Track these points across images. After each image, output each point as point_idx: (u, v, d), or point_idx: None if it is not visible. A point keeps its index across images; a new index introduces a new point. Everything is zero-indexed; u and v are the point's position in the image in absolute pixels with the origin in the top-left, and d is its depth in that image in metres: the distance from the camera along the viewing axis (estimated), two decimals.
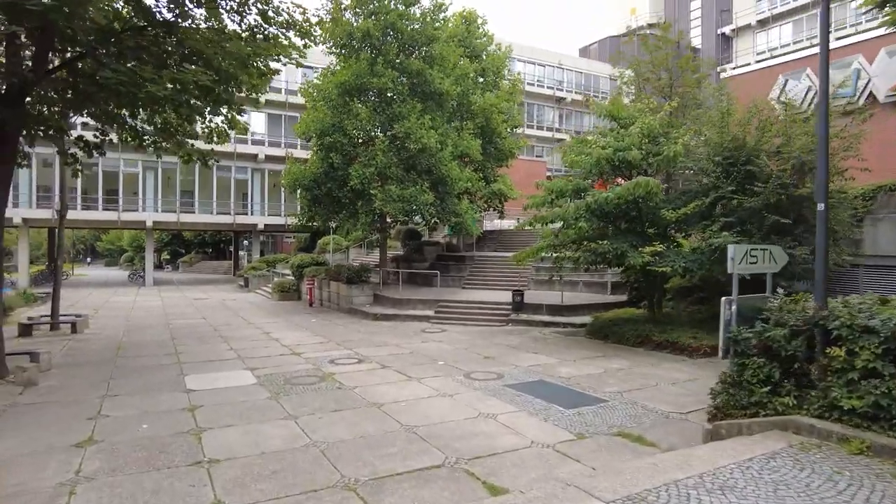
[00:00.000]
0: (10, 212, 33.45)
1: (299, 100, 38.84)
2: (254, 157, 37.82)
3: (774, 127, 13.09)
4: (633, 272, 16.61)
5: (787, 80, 21.71)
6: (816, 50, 10.31)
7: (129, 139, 11.78)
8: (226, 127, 12.49)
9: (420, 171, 20.61)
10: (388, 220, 21.90)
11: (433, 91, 21.29)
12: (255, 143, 38.30)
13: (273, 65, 11.04)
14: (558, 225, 14.36)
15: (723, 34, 55.61)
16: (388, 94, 21.18)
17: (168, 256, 69.18)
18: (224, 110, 11.65)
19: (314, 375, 10.25)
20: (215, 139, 12.21)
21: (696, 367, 11.18)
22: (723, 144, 12.96)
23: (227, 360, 11.71)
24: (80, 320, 15.72)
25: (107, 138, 11.70)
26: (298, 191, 22.60)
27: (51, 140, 11.01)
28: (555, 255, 14.70)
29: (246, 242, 46.00)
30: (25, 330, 15.03)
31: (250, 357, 12.05)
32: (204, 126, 12.51)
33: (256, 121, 38.91)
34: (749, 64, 34.49)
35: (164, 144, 11.76)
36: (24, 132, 10.22)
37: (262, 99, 37.68)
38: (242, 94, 12.57)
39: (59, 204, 16.56)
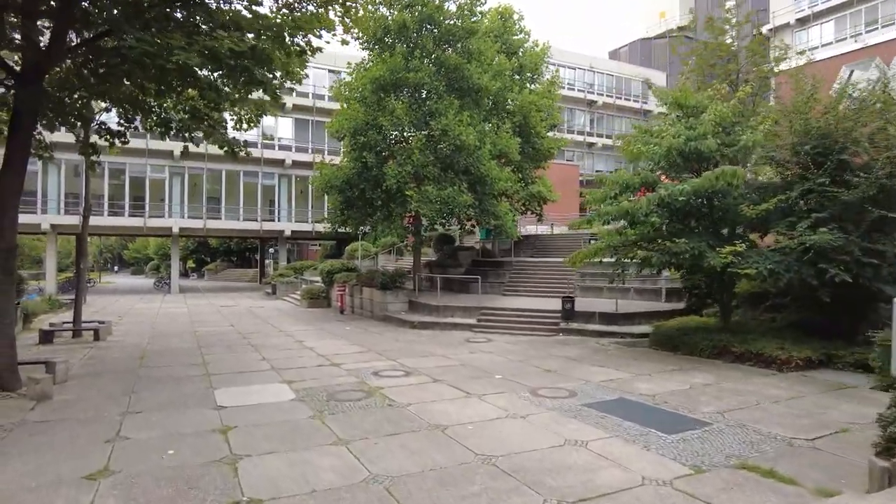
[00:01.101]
0: (38, 218, 33.28)
1: (327, 104, 38.26)
2: (280, 162, 37.12)
3: (866, 112, 11.63)
4: (699, 277, 15.17)
5: (851, 71, 20.09)
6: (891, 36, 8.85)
7: (155, 126, 10.74)
8: (253, 115, 11.39)
9: (457, 170, 19.42)
10: (424, 222, 20.74)
11: (470, 87, 20.15)
12: (281, 148, 37.67)
13: (315, 41, 9.91)
14: (619, 224, 13.03)
15: (759, 33, 53.67)
16: (425, 90, 20.11)
17: (193, 264, 69.11)
18: (255, 95, 10.58)
19: (359, 390, 9.03)
20: (244, 126, 11.13)
21: (791, 382, 9.71)
22: (809, 132, 11.52)
23: (260, 372, 10.57)
24: (102, 327, 14.79)
25: (130, 126, 10.70)
26: (329, 195, 21.55)
27: (70, 127, 10.05)
28: (615, 256, 13.31)
29: (272, 250, 45.37)
30: (46, 337, 14.13)
31: (285, 368, 10.90)
32: (233, 115, 11.48)
33: (283, 126, 38.33)
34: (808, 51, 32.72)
35: (192, 128, 10.65)
36: (42, 118, 9.30)
37: (290, 103, 37.34)
38: (276, 82, 11.52)
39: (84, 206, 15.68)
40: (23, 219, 31.90)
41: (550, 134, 25.66)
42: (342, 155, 21.18)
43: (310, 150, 37.74)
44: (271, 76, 9.37)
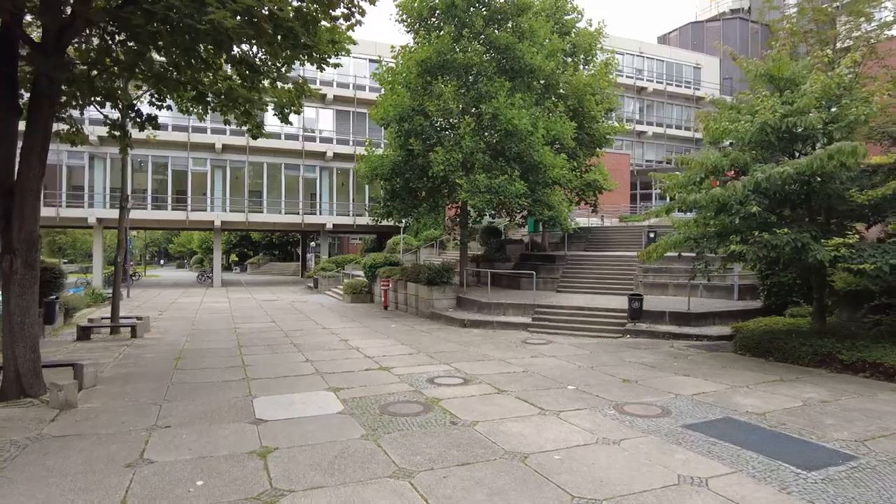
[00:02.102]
0: (85, 212, 33.52)
1: (368, 95, 37.34)
2: (322, 155, 36.44)
3: None
4: (788, 273, 13.53)
5: None
6: None
7: (190, 105, 9.77)
8: (293, 98, 10.34)
9: (509, 157, 18.11)
10: (472, 213, 19.51)
11: (522, 68, 18.77)
12: (322, 140, 36.96)
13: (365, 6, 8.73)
14: (695, 213, 11.51)
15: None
16: (474, 72, 18.84)
17: (236, 258, 69.76)
18: (300, 65, 9.51)
19: (415, 402, 7.89)
20: (284, 112, 10.09)
21: None
22: None
23: (304, 377, 9.56)
24: (140, 323, 14.13)
25: (162, 105, 9.76)
26: (372, 184, 20.55)
27: (100, 107, 9.18)
28: (696, 250, 11.79)
29: (313, 244, 44.93)
30: (84, 333, 13.55)
31: (331, 372, 9.86)
32: (272, 98, 10.45)
33: (324, 118, 37.63)
34: None
35: (228, 110, 9.65)
36: (70, 98, 8.47)
37: (331, 95, 36.60)
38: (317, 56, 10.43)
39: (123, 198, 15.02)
40: (70, 213, 32.60)
41: (615, 115, 24.01)
42: (384, 147, 20.06)
43: (351, 143, 37.01)
44: (315, 43, 8.24)
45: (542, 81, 20.25)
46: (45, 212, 32.16)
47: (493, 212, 19.04)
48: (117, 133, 9.88)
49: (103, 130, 10.55)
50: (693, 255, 20.40)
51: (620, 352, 12.06)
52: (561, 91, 21.96)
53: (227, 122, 10.25)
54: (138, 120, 9.52)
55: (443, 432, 6.52)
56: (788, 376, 9.62)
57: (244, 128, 10.30)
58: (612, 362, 10.89)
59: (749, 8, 58.38)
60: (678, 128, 51.40)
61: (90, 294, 21.94)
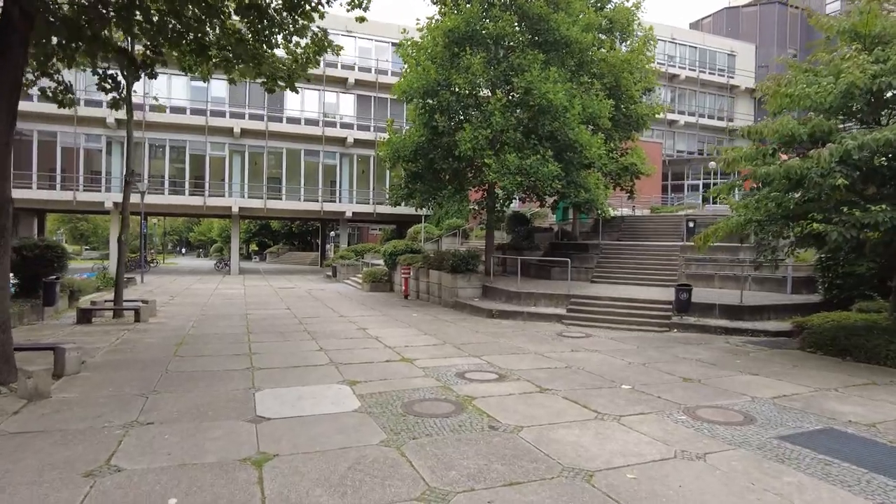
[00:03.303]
0: (101, 196, 32.83)
1: (390, 80, 36.05)
2: (342, 141, 35.34)
3: None
4: (866, 262, 12.03)
5: None
6: None
7: (190, 55, 8.59)
8: (311, 54, 9.15)
9: (541, 136, 16.73)
10: (500, 195, 18.20)
11: (557, 40, 17.36)
12: (343, 126, 35.86)
13: None
14: (737, 195, 10.09)
15: None
16: (505, 44, 17.50)
17: (256, 248, 69.38)
18: (320, 17, 8.32)
19: (444, 399, 6.68)
20: (300, 67, 8.91)
21: None
22: None
23: (317, 367, 8.41)
24: (144, 307, 13.15)
25: (159, 55, 8.63)
26: (395, 166, 19.31)
27: (90, 58, 8.07)
28: (761, 235, 10.38)
29: (333, 234, 44.02)
30: (84, 316, 12.61)
31: (346, 363, 8.70)
32: (287, 52, 9.28)
33: (345, 103, 36.50)
34: None
35: (234, 59, 8.48)
36: (44, 38, 7.38)
37: (352, 79, 35.44)
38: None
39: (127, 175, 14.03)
40: (88, 197, 31.91)
41: (654, 95, 22.52)
42: (406, 129, 18.75)
43: (372, 129, 35.88)
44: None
45: (575, 60, 18.83)
46: (63, 195, 31.73)
47: (522, 195, 17.73)
48: (108, 85, 8.76)
49: (121, 114, 9.49)
50: (738, 244, 18.91)
51: (670, 347, 10.70)
52: (594, 70, 20.53)
53: (232, 82, 9.12)
54: (129, 69, 8.39)
55: (481, 439, 5.29)
56: (881, 379, 8.19)
57: (259, 81, 9.13)
58: (665, 359, 9.55)
59: None
60: (710, 117, 49.38)
61: (101, 278, 21.14)
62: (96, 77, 8.65)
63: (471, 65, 16.34)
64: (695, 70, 48.18)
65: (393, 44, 37.66)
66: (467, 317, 15.00)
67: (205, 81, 10.01)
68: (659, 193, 39.32)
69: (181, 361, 8.64)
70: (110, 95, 9.56)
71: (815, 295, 15.33)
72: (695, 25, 57.51)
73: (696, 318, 13.19)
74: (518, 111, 16.83)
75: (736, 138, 50.97)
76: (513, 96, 16.69)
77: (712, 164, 37.80)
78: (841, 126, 9.87)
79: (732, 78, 49.75)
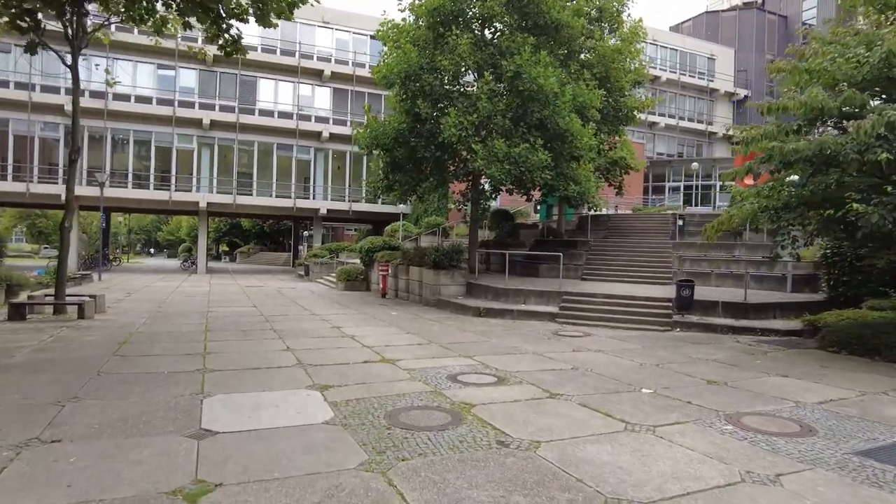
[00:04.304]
0: (59, 188, 30.64)
1: (367, 72, 34.72)
2: (317, 135, 33.89)
3: None
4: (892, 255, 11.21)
5: None
6: None
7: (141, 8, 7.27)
8: (286, 4, 7.90)
9: (531, 123, 15.68)
10: (487, 188, 17.10)
11: (547, 24, 16.36)
12: (318, 120, 34.38)
13: None
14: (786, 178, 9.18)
15: None
16: (493, 27, 16.45)
17: (226, 248, 67.10)
18: None
19: (438, 407, 5.48)
20: (271, 17, 7.64)
21: None
22: None
23: (281, 369, 7.13)
24: (89, 302, 11.64)
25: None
26: (371, 154, 18.00)
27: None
28: (777, 222, 9.45)
29: (306, 233, 42.38)
30: (17, 312, 11.05)
31: (318, 365, 7.43)
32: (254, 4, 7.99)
33: (321, 96, 35.05)
34: None
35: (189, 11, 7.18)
36: None
37: (328, 71, 34.04)
38: None
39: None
40: (43, 189, 29.60)
41: (643, 89, 21.75)
42: (393, 103, 17.42)
43: (348, 123, 34.45)
44: None
45: (565, 47, 17.91)
46: (14, 187, 29.53)
47: (510, 187, 16.63)
48: (24, 24, 7.32)
49: (85, 102, 8.07)
50: (733, 241, 18.12)
51: (679, 347, 9.69)
52: (584, 59, 19.65)
53: (187, 27, 7.77)
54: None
55: (490, 459, 4.11)
56: None
57: (216, 45, 7.85)
58: (678, 359, 8.52)
59: (763, 1, 56.32)
60: (691, 120, 49.25)
61: (51, 274, 19.37)
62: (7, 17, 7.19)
63: (457, 45, 15.22)
64: (675, 72, 48.00)
65: (371, 36, 36.49)
66: (452, 315, 13.82)
67: (158, 35, 8.61)
68: (641, 195, 38.77)
69: (120, 362, 7.27)
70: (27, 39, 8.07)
71: (817, 294, 14.61)
72: (675, 29, 57.51)
73: (698, 317, 12.24)
74: (506, 96, 15.75)
75: (715, 141, 51.18)
76: (501, 80, 15.58)
77: (695, 166, 37.40)
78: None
79: (712, 81, 49.77)
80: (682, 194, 40.59)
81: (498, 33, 16.36)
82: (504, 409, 5.45)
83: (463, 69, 15.80)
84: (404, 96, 16.56)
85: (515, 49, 15.27)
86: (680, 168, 41.80)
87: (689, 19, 57.17)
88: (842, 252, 13.08)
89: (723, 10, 55.62)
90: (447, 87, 16.29)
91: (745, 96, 51.02)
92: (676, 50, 49.12)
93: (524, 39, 15.44)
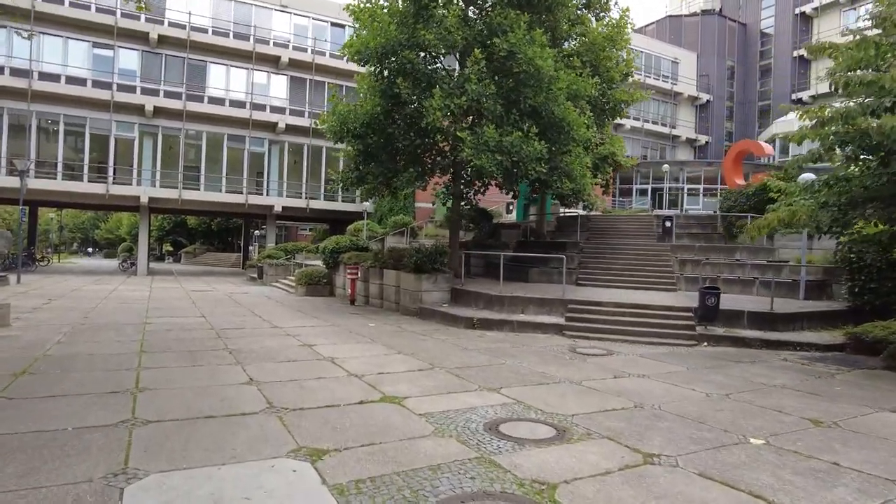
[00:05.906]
0: None
1: (328, 61, 32.45)
2: (272, 126, 31.31)
3: None
4: None
5: None
6: None
7: None
8: None
9: (523, 110, 13.98)
10: (474, 179, 15.28)
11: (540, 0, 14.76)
12: (273, 110, 31.78)
13: None
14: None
15: (802, 14, 49.07)
16: (480, 2, 14.68)
17: (171, 248, 62.76)
18: None
19: (502, 494, 3.57)
20: None
21: None
22: None
23: (246, 417, 5.05)
24: None
25: None
26: (340, 142, 15.84)
27: None
28: (843, 221, 8.01)
29: (257, 233, 39.45)
30: None
31: (295, 409, 5.37)
32: None
33: (276, 85, 32.44)
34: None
35: None
36: None
37: (286, 58, 31.46)
38: None
39: None
40: None
41: (631, 80, 20.52)
42: (365, 85, 15.29)
43: (307, 115, 32.05)
44: None
45: (549, 34, 16.32)
46: None
47: (502, 178, 14.84)
48: None
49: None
50: (732, 244, 16.55)
51: (723, 367, 8.09)
52: (572, 45, 18.21)
53: None
54: None
55: None
56: None
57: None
58: (740, 385, 6.89)
59: (721, 9, 57.06)
60: (655, 123, 49.10)
61: None
62: None
63: (444, 18, 13.35)
64: (640, 74, 47.55)
65: (333, 24, 34.12)
66: (440, 327, 11.89)
67: None
68: (610, 196, 37.93)
69: (7, 408, 5.03)
70: None
71: (834, 301, 13.48)
72: (639, 31, 57.39)
73: (724, 329, 10.77)
74: (497, 79, 13.97)
75: (678, 145, 51.13)
76: (493, 61, 13.78)
77: (665, 168, 36.80)
78: None
79: (676, 85, 49.78)
80: (649, 197, 40.07)
81: (488, 4, 14.56)
82: (601, 492, 3.59)
83: (451, 45, 13.91)
84: (378, 77, 14.57)
85: (508, 27, 13.51)
86: (648, 170, 41.25)
87: (653, 23, 57.27)
88: (865, 257, 11.94)
89: (685, 16, 55.89)
90: (430, 67, 14.38)
91: (707, 101, 51.33)
92: (641, 52, 48.74)
93: (518, 16, 13.70)
